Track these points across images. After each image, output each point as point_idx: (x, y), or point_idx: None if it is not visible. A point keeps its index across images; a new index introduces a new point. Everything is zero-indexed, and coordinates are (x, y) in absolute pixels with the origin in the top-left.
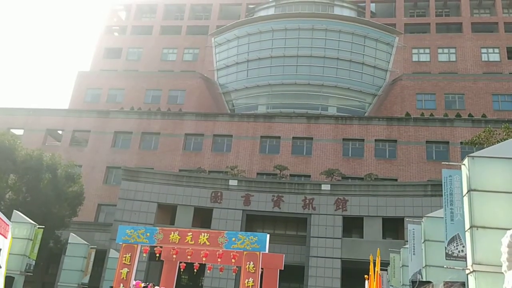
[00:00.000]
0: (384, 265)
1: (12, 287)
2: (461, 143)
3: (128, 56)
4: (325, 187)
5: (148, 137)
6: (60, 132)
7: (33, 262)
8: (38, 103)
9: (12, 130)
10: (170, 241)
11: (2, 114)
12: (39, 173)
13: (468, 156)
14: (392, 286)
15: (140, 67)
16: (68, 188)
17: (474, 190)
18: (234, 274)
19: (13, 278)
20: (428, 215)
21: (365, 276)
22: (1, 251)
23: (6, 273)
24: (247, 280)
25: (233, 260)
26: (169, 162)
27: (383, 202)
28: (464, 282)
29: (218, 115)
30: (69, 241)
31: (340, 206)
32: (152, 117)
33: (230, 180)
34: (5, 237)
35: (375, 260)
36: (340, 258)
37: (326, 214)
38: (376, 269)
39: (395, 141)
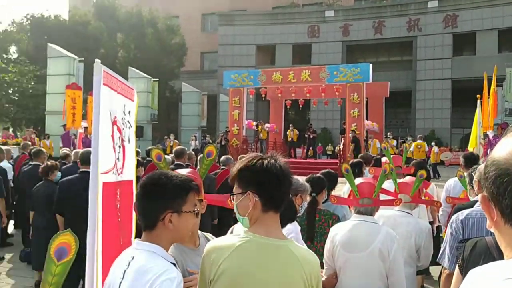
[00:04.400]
0: (500, 80)
1: (143, 134)
2: None
3: None
4: (432, 4)
5: None
6: None
7: (156, 112)
8: None
9: None
10: (273, 81)
11: None
12: (142, 29)
13: None
14: (508, 101)
15: None
16: (170, 40)
17: None
18: (339, 106)
19: (142, 127)
20: None
21: (477, 96)
22: (131, 112)
23: (137, 123)
24: (352, 110)
25: (336, 93)
26: (261, 0)
27: (500, 12)
28: None
29: None
30: (182, 90)
31: (450, 23)
32: None
33: (326, 11)
34: (132, 100)
35: (491, 77)
36: (450, 79)
37: (434, 34)
38: (492, 86)
39: None
